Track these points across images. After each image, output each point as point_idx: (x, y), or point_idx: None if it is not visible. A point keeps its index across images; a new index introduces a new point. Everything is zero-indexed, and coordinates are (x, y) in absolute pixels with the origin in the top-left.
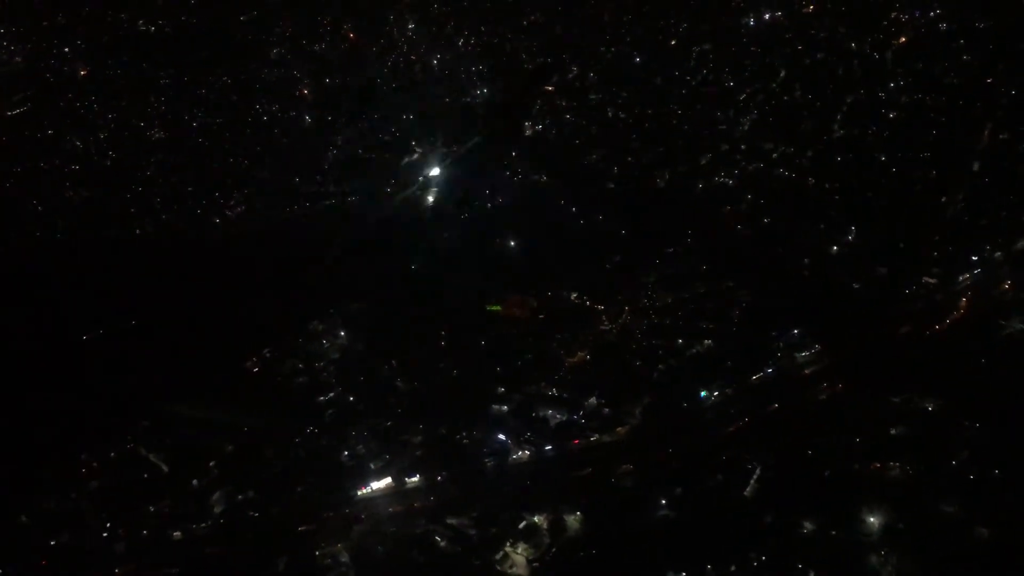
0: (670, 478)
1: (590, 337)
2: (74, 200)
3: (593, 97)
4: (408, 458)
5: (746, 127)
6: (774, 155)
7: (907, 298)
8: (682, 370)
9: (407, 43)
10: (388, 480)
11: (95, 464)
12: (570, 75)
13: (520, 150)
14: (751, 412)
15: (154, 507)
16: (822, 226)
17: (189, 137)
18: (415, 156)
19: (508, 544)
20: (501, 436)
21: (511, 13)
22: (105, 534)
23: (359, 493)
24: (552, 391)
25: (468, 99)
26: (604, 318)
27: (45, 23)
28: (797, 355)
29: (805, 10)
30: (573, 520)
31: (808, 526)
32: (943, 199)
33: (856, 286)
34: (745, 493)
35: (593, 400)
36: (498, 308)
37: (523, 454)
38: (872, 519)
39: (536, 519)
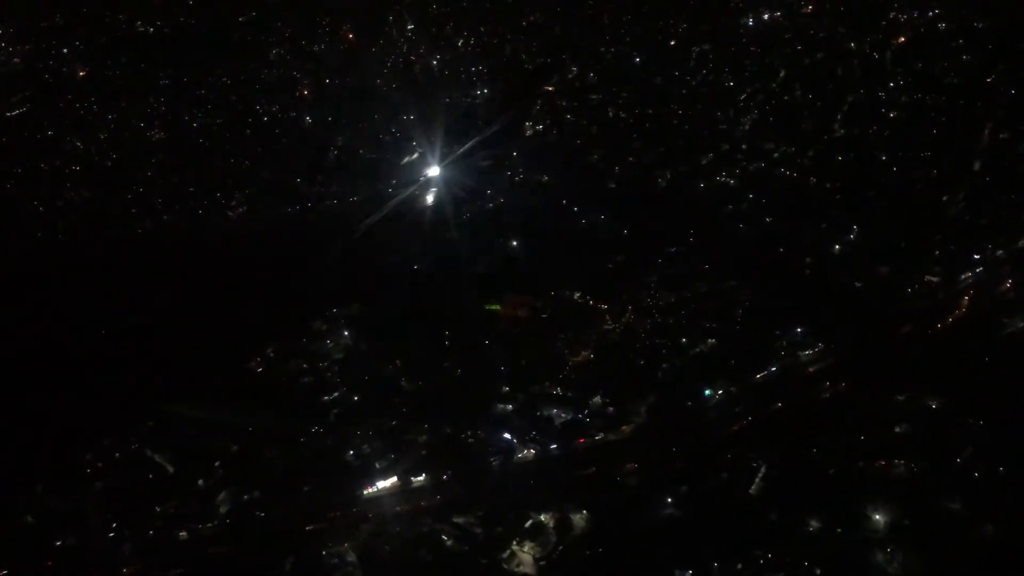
0: (675, 477)
1: (594, 336)
2: (74, 200)
3: (593, 97)
4: (413, 457)
5: (747, 127)
6: (775, 155)
7: (909, 297)
8: (686, 369)
9: (407, 43)
10: (394, 479)
11: (99, 465)
12: (570, 75)
13: (520, 150)
14: (755, 411)
15: (160, 507)
16: (824, 225)
17: (189, 137)
18: (415, 156)
19: (515, 543)
20: (506, 435)
21: (511, 13)
22: (111, 535)
23: (365, 493)
24: (556, 390)
25: (468, 99)
26: (607, 317)
27: (43, 24)
28: (800, 354)
29: (804, 10)
30: (579, 519)
31: (813, 524)
32: (944, 198)
33: (858, 285)
34: (750, 491)
35: (598, 399)
36: (498, 307)
37: (528, 453)
38: (877, 517)
39: (542, 518)
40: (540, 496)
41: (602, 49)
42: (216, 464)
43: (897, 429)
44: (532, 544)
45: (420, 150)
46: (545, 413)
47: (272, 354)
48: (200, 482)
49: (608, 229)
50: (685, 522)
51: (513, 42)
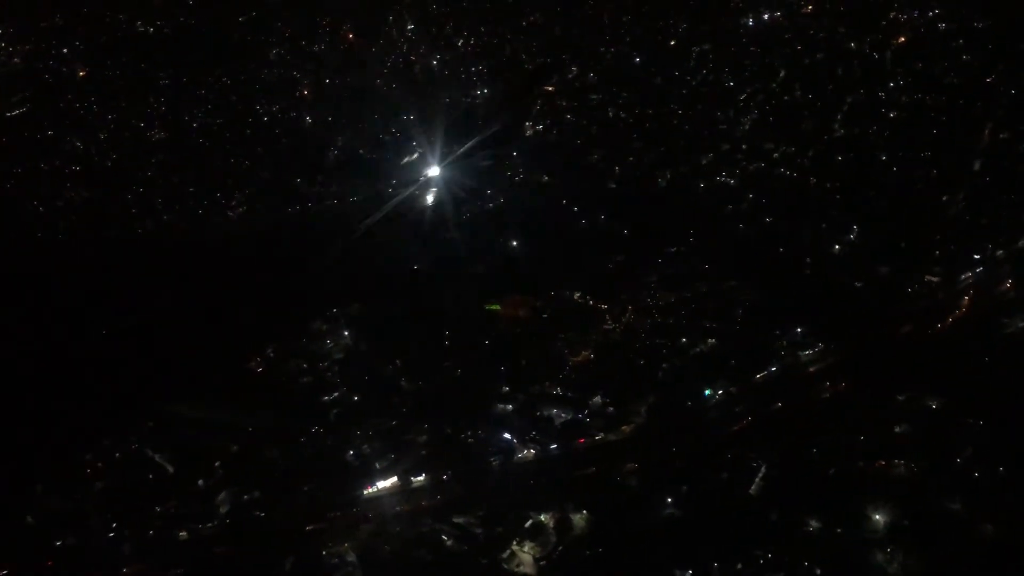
0: (675, 476)
1: (594, 336)
2: (74, 200)
3: (593, 97)
4: (414, 457)
5: (747, 127)
6: (775, 155)
7: (909, 297)
8: (686, 369)
9: (406, 43)
10: (394, 479)
11: (100, 465)
12: (570, 75)
13: (520, 150)
14: (755, 411)
15: (160, 507)
16: (824, 225)
17: (189, 137)
18: (415, 156)
19: (515, 543)
20: (506, 435)
21: (511, 13)
22: (111, 535)
23: (365, 493)
24: (556, 390)
25: (468, 99)
26: (607, 317)
27: (43, 23)
28: (800, 354)
29: (804, 10)
30: (579, 519)
31: (813, 524)
32: (944, 198)
33: (858, 285)
34: (750, 491)
35: (598, 399)
36: (497, 307)
37: (528, 453)
38: (877, 517)
39: (542, 518)
40: (540, 496)
41: (602, 49)
42: (216, 464)
43: (897, 429)
44: (532, 544)
45: (420, 150)
46: (545, 413)
47: (272, 354)
48: (200, 482)
49: (608, 229)
50: (685, 522)
51: (513, 42)
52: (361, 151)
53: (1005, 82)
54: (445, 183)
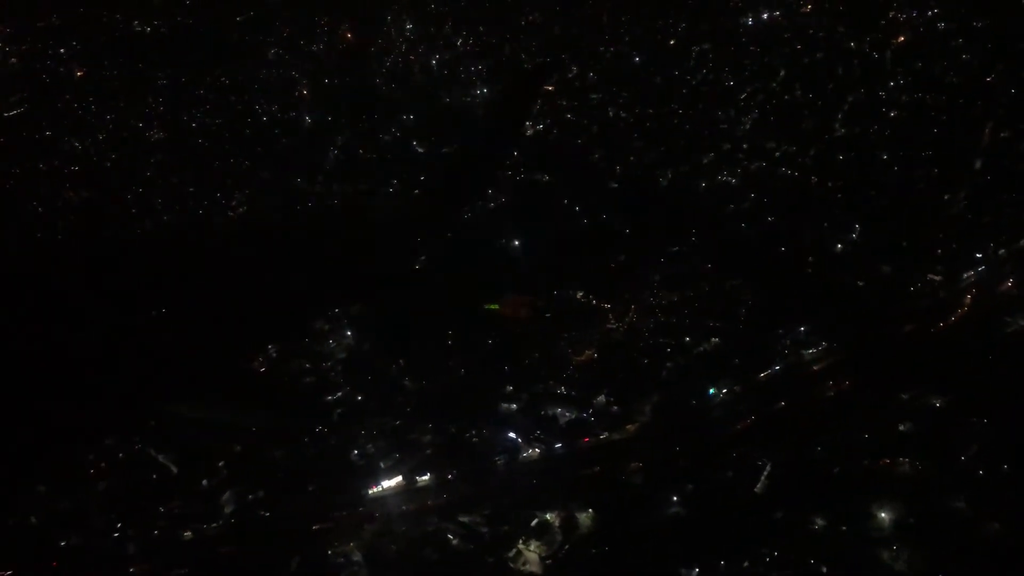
0: (680, 475)
1: (597, 336)
2: (74, 201)
3: (593, 97)
4: (418, 457)
5: (747, 126)
6: (776, 154)
7: (911, 296)
8: (690, 368)
9: (405, 43)
10: (399, 479)
11: (103, 465)
12: (570, 75)
13: (521, 150)
14: (759, 410)
15: (164, 508)
16: (825, 224)
17: (189, 137)
18: (415, 156)
19: (521, 542)
20: (511, 434)
21: (510, 13)
22: (115, 535)
23: (370, 492)
24: (560, 389)
25: (468, 99)
26: (610, 317)
27: (40, 24)
28: (804, 352)
29: (803, 9)
30: (585, 517)
31: (819, 522)
32: (945, 197)
33: (860, 284)
34: (755, 490)
35: (602, 398)
36: (496, 307)
37: (533, 452)
38: (882, 515)
39: (548, 516)
40: (545, 495)
41: (602, 48)
42: (220, 464)
43: (901, 427)
44: (538, 543)
45: (420, 150)
46: (549, 412)
47: (275, 354)
48: (204, 482)
49: (610, 228)
50: (690, 520)
51: (513, 42)
52: (361, 151)
53: (1005, 81)
54: (445, 183)
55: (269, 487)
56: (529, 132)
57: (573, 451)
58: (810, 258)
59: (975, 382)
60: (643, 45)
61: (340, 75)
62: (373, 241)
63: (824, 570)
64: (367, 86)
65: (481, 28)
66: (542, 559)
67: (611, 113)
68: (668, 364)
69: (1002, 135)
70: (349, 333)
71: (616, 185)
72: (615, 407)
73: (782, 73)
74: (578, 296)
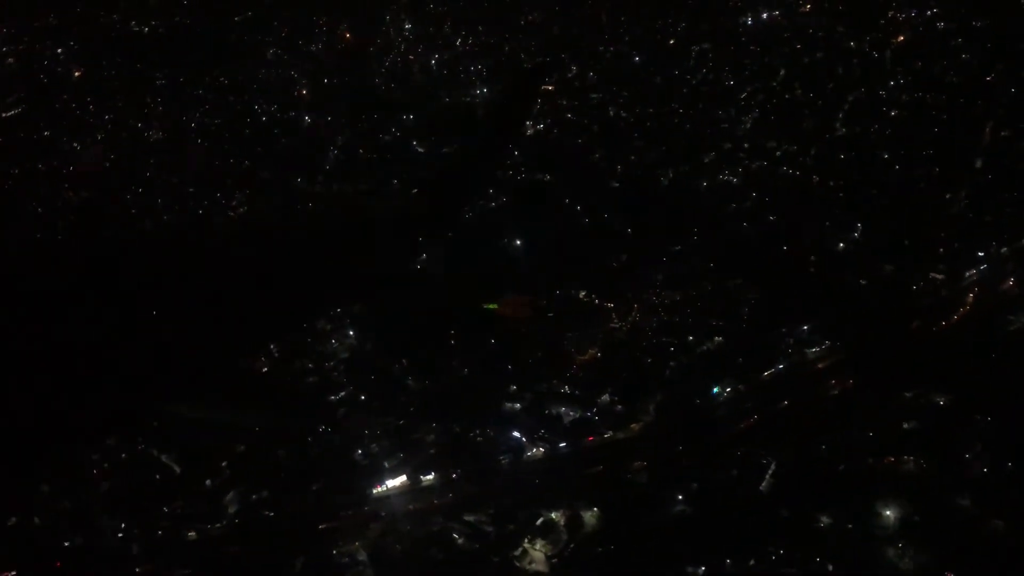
0: (685, 474)
1: (600, 335)
2: (73, 201)
3: (593, 96)
4: (423, 456)
5: (748, 125)
6: (777, 153)
7: (914, 294)
8: (693, 367)
9: (404, 43)
10: (403, 478)
11: (105, 465)
12: (570, 74)
13: (521, 150)
14: (763, 408)
15: (167, 508)
16: (827, 223)
17: (188, 137)
18: (415, 156)
19: (526, 540)
20: (515, 433)
21: (509, 13)
22: (119, 535)
23: (375, 491)
24: (564, 389)
25: (468, 99)
26: (613, 316)
27: (37, 23)
28: (807, 351)
29: (803, 9)
30: (590, 516)
31: (824, 520)
32: (947, 196)
33: (863, 282)
34: (760, 488)
35: (606, 397)
36: (495, 307)
37: (537, 451)
38: (888, 512)
39: (553, 515)
40: (550, 494)
41: (601, 48)
42: (223, 464)
43: (905, 425)
44: (544, 542)
45: (420, 150)
46: (553, 411)
47: (277, 354)
48: (208, 482)
49: (611, 228)
50: (696, 519)
51: (512, 41)
52: (361, 151)
53: (1005, 81)
54: (445, 183)
55: (273, 487)
56: (529, 132)
57: (577, 450)
58: (812, 257)
59: (978, 380)
60: (643, 45)
61: (339, 75)
62: (373, 241)
63: (830, 567)
64: (366, 86)
65: (480, 28)
66: (548, 558)
67: (611, 113)
68: (672, 363)
69: (1003, 134)
70: (351, 333)
71: (617, 185)
72: (619, 406)
73: (782, 73)
74: (580, 296)
